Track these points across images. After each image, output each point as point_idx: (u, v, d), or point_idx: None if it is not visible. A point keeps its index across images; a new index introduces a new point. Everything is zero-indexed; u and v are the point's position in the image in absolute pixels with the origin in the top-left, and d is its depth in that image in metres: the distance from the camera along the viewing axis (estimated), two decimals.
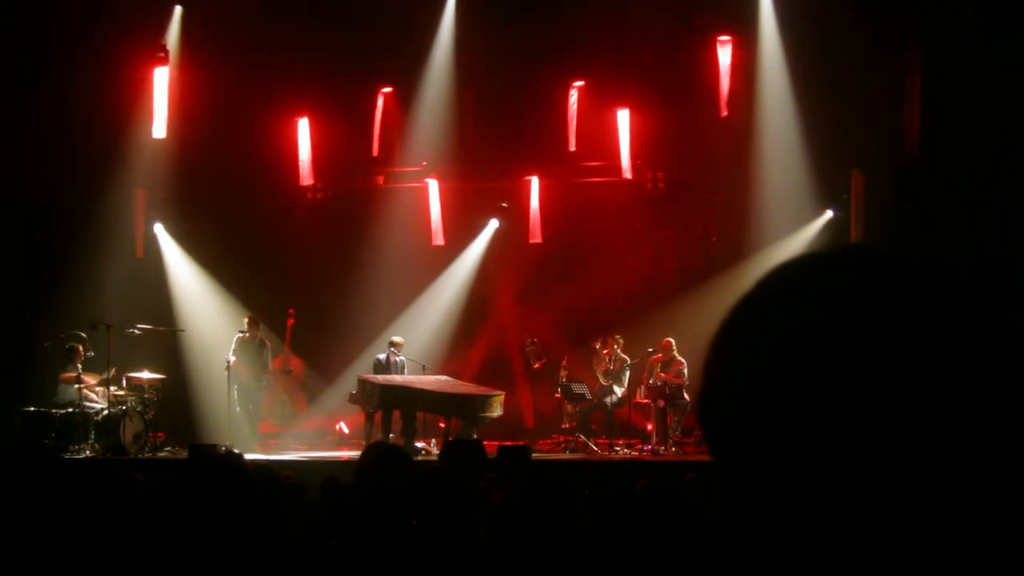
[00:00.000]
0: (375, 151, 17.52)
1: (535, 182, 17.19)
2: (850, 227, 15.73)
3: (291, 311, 17.10)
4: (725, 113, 16.13)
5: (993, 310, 0.96)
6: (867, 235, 15.17)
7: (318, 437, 16.55)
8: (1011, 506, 0.94)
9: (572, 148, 16.94)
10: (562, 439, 15.67)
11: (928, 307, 0.96)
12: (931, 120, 14.94)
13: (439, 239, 17.41)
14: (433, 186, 17.41)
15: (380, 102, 17.49)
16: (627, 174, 16.68)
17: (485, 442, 13.25)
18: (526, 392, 16.74)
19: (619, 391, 15.50)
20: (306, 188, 17.79)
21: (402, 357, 15.61)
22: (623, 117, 16.63)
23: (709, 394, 1.04)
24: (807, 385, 0.95)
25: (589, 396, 15.54)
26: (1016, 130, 14.12)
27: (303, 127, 17.50)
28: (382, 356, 15.60)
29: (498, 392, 14.96)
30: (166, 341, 16.73)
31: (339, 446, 15.92)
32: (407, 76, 17.55)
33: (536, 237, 17.17)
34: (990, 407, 0.93)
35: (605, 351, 15.68)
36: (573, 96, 16.88)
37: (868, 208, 15.52)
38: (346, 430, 16.84)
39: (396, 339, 15.82)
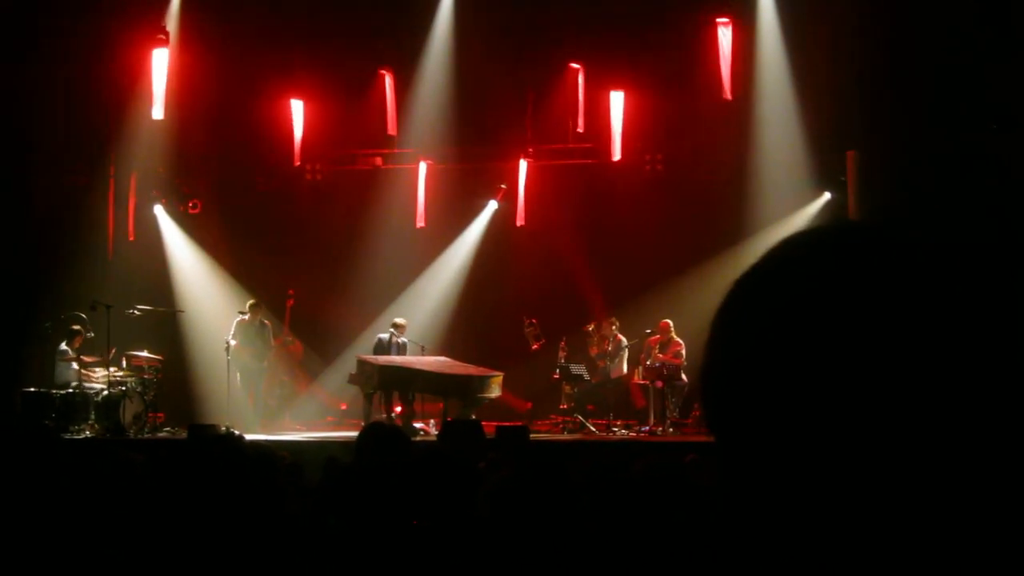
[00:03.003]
0: (389, 129, 17.45)
1: (526, 165, 17.15)
2: (847, 208, 15.68)
3: (291, 292, 17.13)
4: (729, 97, 16.05)
5: (992, 286, 0.96)
6: (865, 215, 15.11)
7: (318, 417, 16.59)
8: (1013, 483, 0.93)
9: (580, 128, 16.86)
10: (560, 420, 15.73)
11: (932, 283, 0.95)
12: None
13: (432, 221, 17.39)
14: (425, 169, 17.38)
15: (388, 81, 17.42)
16: (618, 155, 16.65)
17: (483, 423, 13.25)
18: (524, 373, 16.75)
19: (615, 372, 15.55)
20: (305, 169, 17.78)
21: (404, 339, 15.62)
22: (619, 99, 16.60)
23: (711, 369, 1.03)
24: (809, 361, 0.94)
25: (588, 377, 15.58)
26: (1008, 110, 14.07)
27: (297, 108, 17.45)
28: (384, 336, 15.64)
29: (496, 373, 14.97)
30: (166, 322, 16.72)
31: (338, 426, 15.95)
32: (406, 58, 17.50)
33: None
34: (992, 381, 0.92)
35: (601, 333, 15.74)
36: (580, 78, 16.79)
37: (868, 188, 15.44)
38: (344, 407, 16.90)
39: (399, 320, 15.84)
